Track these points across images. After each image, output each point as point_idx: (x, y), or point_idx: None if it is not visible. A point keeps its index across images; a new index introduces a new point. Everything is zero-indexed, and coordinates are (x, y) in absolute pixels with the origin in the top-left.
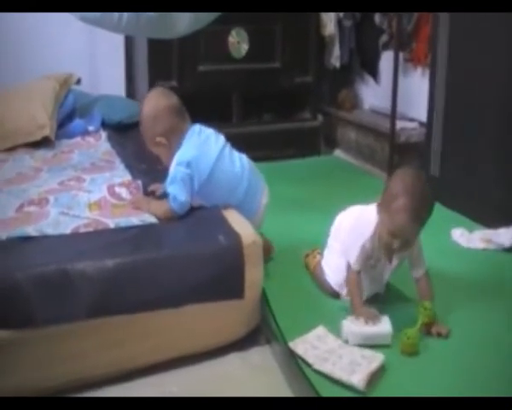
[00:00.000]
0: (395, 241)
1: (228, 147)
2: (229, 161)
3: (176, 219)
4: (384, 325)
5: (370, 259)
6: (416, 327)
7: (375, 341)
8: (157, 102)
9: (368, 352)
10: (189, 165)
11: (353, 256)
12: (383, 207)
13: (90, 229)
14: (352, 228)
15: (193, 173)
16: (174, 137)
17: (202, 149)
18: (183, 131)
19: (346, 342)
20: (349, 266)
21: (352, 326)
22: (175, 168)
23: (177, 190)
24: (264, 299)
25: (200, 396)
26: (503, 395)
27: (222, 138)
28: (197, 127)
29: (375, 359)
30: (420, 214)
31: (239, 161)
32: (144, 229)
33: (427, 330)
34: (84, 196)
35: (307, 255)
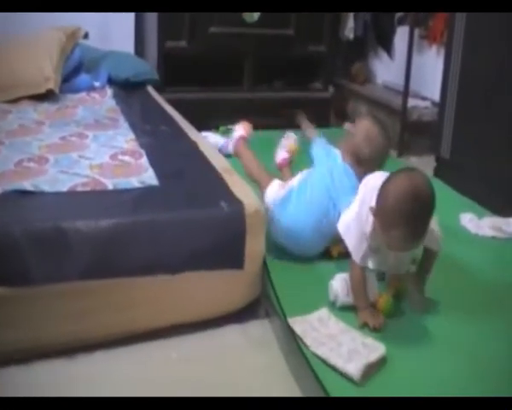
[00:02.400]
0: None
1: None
2: None
3: (176, 183)
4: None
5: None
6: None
7: None
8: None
9: (370, 340)
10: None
11: (358, 253)
12: (378, 221)
13: (88, 188)
14: (355, 222)
15: None
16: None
17: None
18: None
19: (334, 303)
20: (352, 262)
21: (339, 291)
22: None
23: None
24: (265, 271)
25: (196, 368)
26: (506, 390)
27: None
28: None
29: (377, 349)
30: (418, 236)
31: None
32: (144, 191)
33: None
34: (86, 162)
35: None
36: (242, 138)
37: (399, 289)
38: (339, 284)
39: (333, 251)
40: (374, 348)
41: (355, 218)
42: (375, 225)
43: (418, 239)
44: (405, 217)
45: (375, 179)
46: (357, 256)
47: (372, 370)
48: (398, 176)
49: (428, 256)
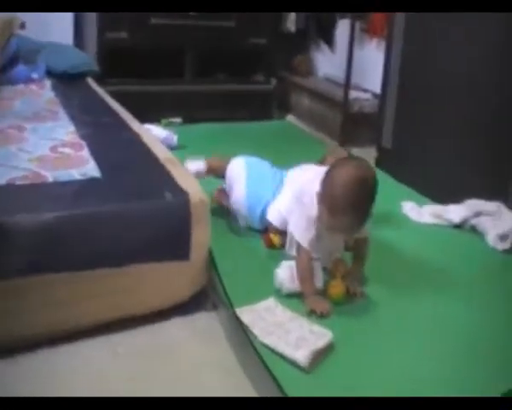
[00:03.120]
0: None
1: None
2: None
3: (119, 174)
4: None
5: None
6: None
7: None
8: None
9: (317, 328)
10: None
11: (306, 236)
12: (323, 205)
13: (27, 182)
14: (300, 208)
15: None
16: None
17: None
18: None
19: (279, 291)
20: (300, 248)
21: (285, 279)
22: None
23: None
24: (211, 261)
25: (141, 361)
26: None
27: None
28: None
29: (324, 336)
30: (362, 218)
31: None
32: (86, 183)
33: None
34: (25, 155)
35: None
36: (220, 191)
37: (344, 276)
38: (284, 271)
39: (274, 239)
40: (321, 335)
41: (297, 205)
42: (321, 211)
43: (363, 223)
44: (353, 204)
45: (307, 171)
46: (304, 241)
47: (320, 356)
48: (345, 164)
49: (361, 244)
